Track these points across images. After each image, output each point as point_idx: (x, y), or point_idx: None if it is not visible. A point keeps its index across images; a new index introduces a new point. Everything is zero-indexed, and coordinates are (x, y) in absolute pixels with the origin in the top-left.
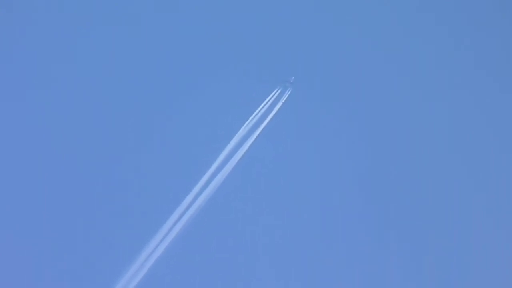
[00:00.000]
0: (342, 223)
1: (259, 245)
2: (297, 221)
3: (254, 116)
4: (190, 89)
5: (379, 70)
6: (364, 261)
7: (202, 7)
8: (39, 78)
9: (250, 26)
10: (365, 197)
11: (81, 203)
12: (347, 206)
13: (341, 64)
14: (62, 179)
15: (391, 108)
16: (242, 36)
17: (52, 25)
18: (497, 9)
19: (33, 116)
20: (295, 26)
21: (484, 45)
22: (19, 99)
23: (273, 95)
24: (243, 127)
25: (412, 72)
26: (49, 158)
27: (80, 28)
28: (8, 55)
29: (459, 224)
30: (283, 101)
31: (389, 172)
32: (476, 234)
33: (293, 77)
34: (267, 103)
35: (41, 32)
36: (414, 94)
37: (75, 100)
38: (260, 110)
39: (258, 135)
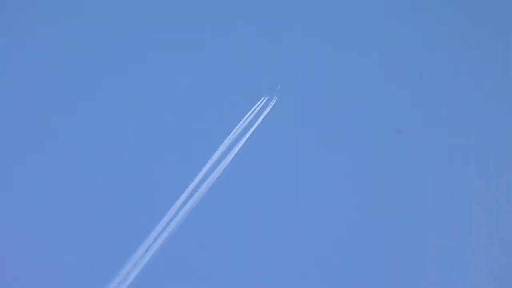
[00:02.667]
0: (328, 225)
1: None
2: (283, 223)
3: (243, 123)
4: (182, 98)
5: (367, 80)
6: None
7: (191, 24)
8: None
9: (239, 41)
10: (352, 204)
11: (72, 204)
12: (334, 209)
13: (328, 74)
14: (55, 179)
15: (380, 118)
16: (233, 50)
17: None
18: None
19: (31, 114)
20: (283, 40)
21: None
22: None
23: (260, 102)
24: (231, 133)
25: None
26: (39, 157)
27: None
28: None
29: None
30: (270, 108)
31: (378, 181)
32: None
33: (279, 85)
34: (254, 110)
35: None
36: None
37: (70, 97)
38: (248, 116)
39: (246, 140)
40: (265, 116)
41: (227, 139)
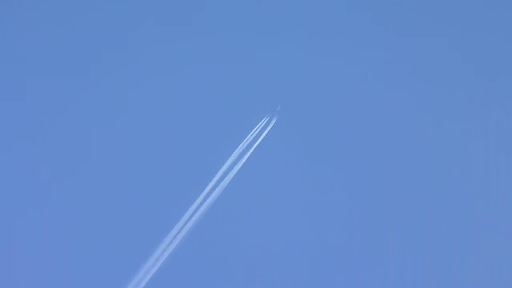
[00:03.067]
0: (327, 228)
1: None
2: (286, 226)
3: (248, 139)
4: (196, 118)
5: (364, 101)
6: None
7: (200, 48)
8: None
9: (245, 71)
10: (347, 208)
11: (85, 213)
12: (330, 214)
13: (326, 96)
14: (70, 183)
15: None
16: (237, 75)
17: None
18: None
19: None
20: (283, 68)
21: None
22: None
23: (263, 121)
24: (238, 148)
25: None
26: (60, 160)
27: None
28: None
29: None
30: (270, 126)
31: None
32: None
33: (279, 107)
34: (258, 128)
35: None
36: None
37: (88, 103)
38: (253, 133)
39: (251, 154)
40: (267, 133)
41: (234, 152)
